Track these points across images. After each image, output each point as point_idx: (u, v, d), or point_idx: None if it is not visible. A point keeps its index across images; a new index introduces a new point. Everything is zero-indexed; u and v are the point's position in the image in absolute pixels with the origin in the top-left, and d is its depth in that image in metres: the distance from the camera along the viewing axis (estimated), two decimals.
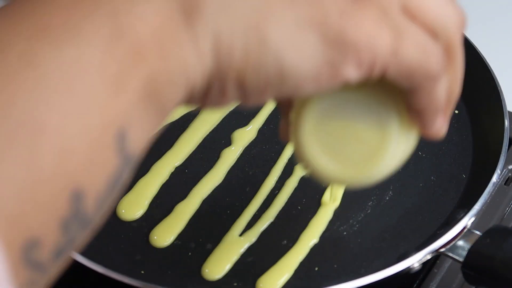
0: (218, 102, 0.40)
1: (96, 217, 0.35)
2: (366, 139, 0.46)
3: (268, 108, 0.74)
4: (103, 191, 0.35)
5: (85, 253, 0.61)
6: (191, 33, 0.37)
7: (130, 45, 0.35)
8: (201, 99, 0.40)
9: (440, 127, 0.46)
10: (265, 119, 0.73)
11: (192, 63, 0.37)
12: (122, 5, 0.35)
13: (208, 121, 0.72)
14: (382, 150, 0.46)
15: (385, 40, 0.39)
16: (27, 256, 0.32)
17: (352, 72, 0.40)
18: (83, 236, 0.35)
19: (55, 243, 0.33)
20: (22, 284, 0.32)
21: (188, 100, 0.39)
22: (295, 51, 0.38)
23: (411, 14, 0.40)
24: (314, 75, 0.39)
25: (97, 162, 0.34)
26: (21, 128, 0.31)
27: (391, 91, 0.44)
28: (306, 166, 0.48)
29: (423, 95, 0.43)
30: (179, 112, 0.73)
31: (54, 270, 0.34)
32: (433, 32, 0.41)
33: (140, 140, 0.36)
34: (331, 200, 0.66)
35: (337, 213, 0.66)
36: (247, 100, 0.40)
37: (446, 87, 0.44)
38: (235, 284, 0.62)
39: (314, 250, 0.64)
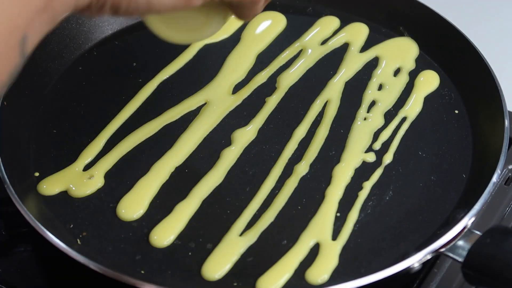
0: (94, 15, 0.54)
1: None
2: (198, 19, 0.64)
3: (268, 108, 0.74)
4: (5, 81, 0.45)
5: (85, 253, 0.61)
6: None
7: None
8: (82, 12, 0.52)
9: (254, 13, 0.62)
10: (265, 119, 0.73)
11: None
12: None
13: (208, 121, 0.72)
14: (208, 23, 0.64)
15: None
16: None
17: (198, 1, 0.56)
18: None
19: None
20: None
21: (73, 13, 0.51)
22: None
23: None
24: (172, 5, 0.54)
25: (4, 58, 0.44)
26: None
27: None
28: (158, 35, 0.65)
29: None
30: (179, 111, 0.73)
31: None
32: None
33: (35, 42, 0.47)
34: None
35: (337, 214, 0.66)
36: (118, 16, 0.56)
37: None
38: (235, 284, 0.62)
39: (314, 250, 0.64)
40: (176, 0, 0.55)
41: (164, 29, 0.64)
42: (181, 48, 0.79)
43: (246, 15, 0.62)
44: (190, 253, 0.63)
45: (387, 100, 0.74)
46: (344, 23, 0.81)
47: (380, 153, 0.70)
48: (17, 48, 0.45)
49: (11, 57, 0.44)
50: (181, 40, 0.66)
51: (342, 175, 0.68)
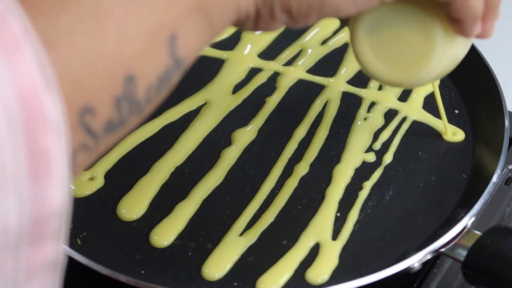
0: (269, 26, 0.48)
1: (145, 106, 0.41)
2: (414, 44, 0.53)
3: (268, 108, 0.74)
4: (153, 82, 0.41)
5: (85, 253, 0.61)
6: None
7: None
8: (254, 23, 0.48)
9: (482, 31, 0.53)
10: (265, 119, 0.73)
11: None
12: None
13: (208, 121, 0.72)
14: (429, 53, 0.53)
15: None
16: (82, 119, 0.37)
17: None
18: (133, 121, 0.41)
19: (107, 116, 0.39)
20: (77, 144, 0.37)
21: (242, 23, 0.47)
22: None
23: None
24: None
25: (149, 54, 0.40)
26: (90, 13, 0.38)
27: (432, 2, 0.50)
28: (365, 71, 0.56)
29: (459, 6, 0.50)
30: (179, 111, 0.73)
31: (104, 143, 0.40)
32: None
33: (190, 48, 0.43)
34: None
35: (337, 214, 0.66)
36: (294, 23, 0.48)
37: None
38: (235, 284, 0.62)
39: (314, 250, 0.64)
40: None
41: (375, 61, 0.55)
42: None
43: (468, 28, 0.53)
44: (190, 253, 0.63)
45: (387, 100, 0.74)
46: (344, 23, 0.81)
47: (380, 153, 0.70)
48: (164, 46, 0.41)
49: (157, 54, 0.41)
50: (396, 79, 0.55)
51: (342, 175, 0.68)
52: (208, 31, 0.44)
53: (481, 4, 0.51)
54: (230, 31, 0.80)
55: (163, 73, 0.41)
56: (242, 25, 0.48)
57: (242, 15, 0.46)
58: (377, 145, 0.71)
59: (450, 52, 0.54)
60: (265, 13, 0.47)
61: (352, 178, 0.68)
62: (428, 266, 0.66)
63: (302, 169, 0.69)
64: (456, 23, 0.52)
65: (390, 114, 0.74)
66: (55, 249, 0.36)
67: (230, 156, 0.70)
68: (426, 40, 0.52)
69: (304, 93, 0.75)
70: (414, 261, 0.61)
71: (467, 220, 0.62)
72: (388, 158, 0.70)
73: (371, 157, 0.70)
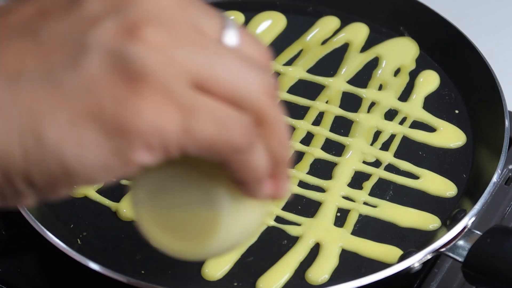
0: (18, 201, 0.41)
1: None
2: (198, 213, 0.45)
3: None
4: None
5: (85, 253, 0.61)
6: None
7: None
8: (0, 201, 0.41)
9: (273, 191, 0.45)
10: None
11: None
12: None
13: None
14: (215, 221, 0.45)
15: (172, 120, 0.39)
16: None
17: (145, 157, 0.39)
18: None
19: None
20: None
21: None
22: (75, 146, 0.39)
23: (204, 89, 0.39)
24: (103, 166, 0.39)
25: None
26: None
27: (212, 164, 0.42)
28: (151, 242, 0.47)
29: (238, 167, 0.42)
30: None
31: None
32: (235, 103, 0.40)
33: None
34: None
35: (337, 214, 0.66)
36: (46, 195, 0.41)
37: (264, 155, 0.42)
38: (235, 284, 0.62)
39: (314, 250, 0.64)
40: (106, 159, 0.39)
41: (158, 232, 0.46)
42: None
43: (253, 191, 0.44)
44: None
45: (387, 100, 0.74)
46: (344, 23, 0.81)
47: (380, 153, 0.70)
48: None
49: None
50: (185, 251, 0.47)
51: (342, 175, 0.68)
52: None
53: (264, 163, 0.43)
54: None
55: None
56: None
57: None
58: (377, 145, 0.71)
59: (242, 218, 0.45)
60: (8, 191, 0.40)
61: (352, 178, 0.68)
62: (428, 266, 0.66)
63: (302, 169, 0.69)
64: (241, 185, 0.44)
65: (390, 114, 0.73)
66: None
67: None
68: (210, 207, 0.44)
69: (304, 93, 0.75)
70: (414, 261, 0.61)
71: (467, 220, 0.62)
72: (388, 158, 0.70)
73: (371, 157, 0.70)
